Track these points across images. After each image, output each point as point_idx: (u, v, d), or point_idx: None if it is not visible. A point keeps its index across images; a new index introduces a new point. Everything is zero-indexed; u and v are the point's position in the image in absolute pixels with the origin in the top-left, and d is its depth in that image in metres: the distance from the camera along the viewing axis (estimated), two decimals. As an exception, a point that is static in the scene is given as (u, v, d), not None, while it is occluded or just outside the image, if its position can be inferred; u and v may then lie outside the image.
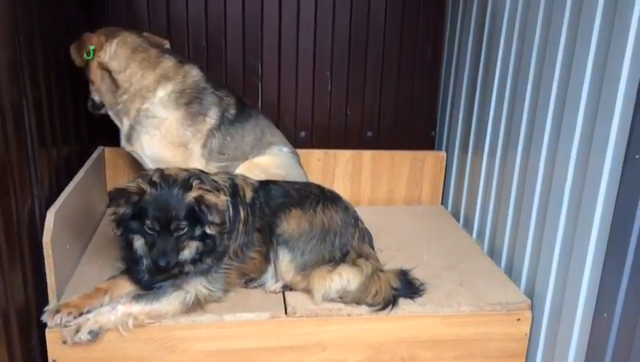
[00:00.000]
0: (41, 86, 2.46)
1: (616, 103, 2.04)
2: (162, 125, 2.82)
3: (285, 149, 3.17)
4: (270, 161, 3.05)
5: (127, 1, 3.32)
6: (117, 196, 2.28)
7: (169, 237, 2.27)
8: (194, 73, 2.94)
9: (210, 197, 2.32)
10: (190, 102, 2.87)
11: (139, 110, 2.82)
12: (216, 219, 2.30)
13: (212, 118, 2.92)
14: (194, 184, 2.32)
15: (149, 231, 2.27)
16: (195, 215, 2.29)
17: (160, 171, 2.37)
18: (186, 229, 2.29)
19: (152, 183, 2.29)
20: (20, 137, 2.20)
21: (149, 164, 2.88)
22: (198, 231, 2.32)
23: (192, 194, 2.29)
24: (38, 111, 2.40)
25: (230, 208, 2.43)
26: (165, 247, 2.25)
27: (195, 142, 2.90)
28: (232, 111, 3.00)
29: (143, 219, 2.26)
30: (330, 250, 2.58)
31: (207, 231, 2.32)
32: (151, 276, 2.37)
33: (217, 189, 2.41)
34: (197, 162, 2.88)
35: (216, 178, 2.52)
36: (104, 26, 2.92)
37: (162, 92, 2.82)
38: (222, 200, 2.36)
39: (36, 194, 2.34)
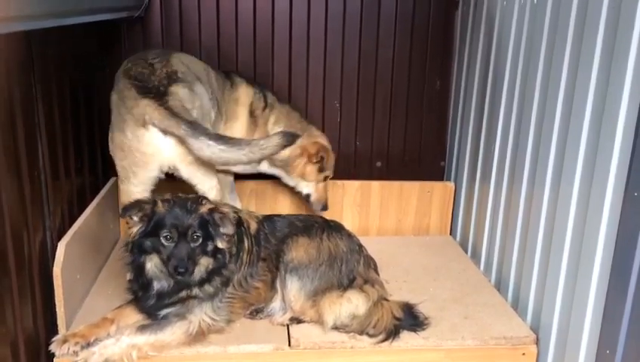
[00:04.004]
0: (55, 121, 2.54)
1: (615, 142, 2.06)
2: None
3: None
4: None
5: (143, 30, 3.42)
6: (130, 206, 2.38)
7: (186, 245, 2.34)
8: None
9: (223, 208, 2.44)
10: None
11: None
12: (229, 230, 2.40)
13: None
14: (204, 201, 2.45)
15: (165, 243, 2.34)
16: (207, 229, 2.38)
17: (169, 194, 2.48)
18: (200, 240, 2.37)
19: (164, 200, 2.40)
20: (34, 173, 2.28)
21: None
22: (210, 246, 2.40)
23: (205, 206, 2.40)
24: (52, 147, 2.48)
25: (235, 237, 2.50)
26: (184, 254, 2.32)
27: None
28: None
29: (158, 232, 2.34)
30: (339, 277, 2.62)
31: (219, 245, 2.40)
32: (159, 301, 2.41)
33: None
34: None
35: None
36: (123, 56, 2.99)
37: None
38: (231, 212, 2.49)
39: (48, 226, 2.41)
